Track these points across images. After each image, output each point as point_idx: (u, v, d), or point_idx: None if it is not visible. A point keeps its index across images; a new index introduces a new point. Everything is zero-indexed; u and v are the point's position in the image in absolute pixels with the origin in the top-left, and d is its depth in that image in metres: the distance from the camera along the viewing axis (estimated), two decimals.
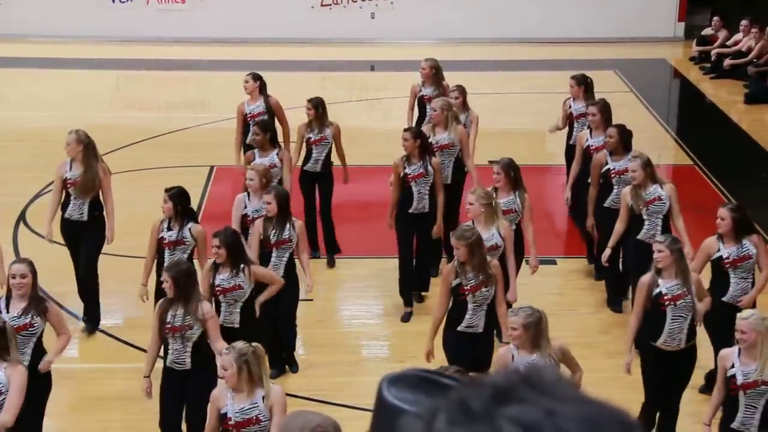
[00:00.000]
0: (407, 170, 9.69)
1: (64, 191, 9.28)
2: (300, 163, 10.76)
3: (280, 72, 18.91)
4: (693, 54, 20.23)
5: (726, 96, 17.90)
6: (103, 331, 9.57)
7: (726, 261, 8.07)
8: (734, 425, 6.67)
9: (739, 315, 6.75)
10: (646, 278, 7.51)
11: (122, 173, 13.40)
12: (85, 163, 9.17)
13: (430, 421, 1.08)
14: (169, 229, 8.56)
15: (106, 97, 17.86)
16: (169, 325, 7.26)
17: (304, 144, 10.67)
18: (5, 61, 19.23)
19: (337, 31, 21.13)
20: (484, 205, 8.38)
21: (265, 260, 8.52)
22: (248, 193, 9.21)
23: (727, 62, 18.89)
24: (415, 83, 12.10)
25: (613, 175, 9.73)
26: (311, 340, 9.17)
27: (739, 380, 6.61)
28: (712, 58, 19.34)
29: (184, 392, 7.34)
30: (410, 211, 9.73)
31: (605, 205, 9.78)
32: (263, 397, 6.37)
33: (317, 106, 10.62)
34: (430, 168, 9.69)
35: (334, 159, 10.84)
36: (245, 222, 9.11)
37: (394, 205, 9.86)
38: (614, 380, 8.77)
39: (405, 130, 10.00)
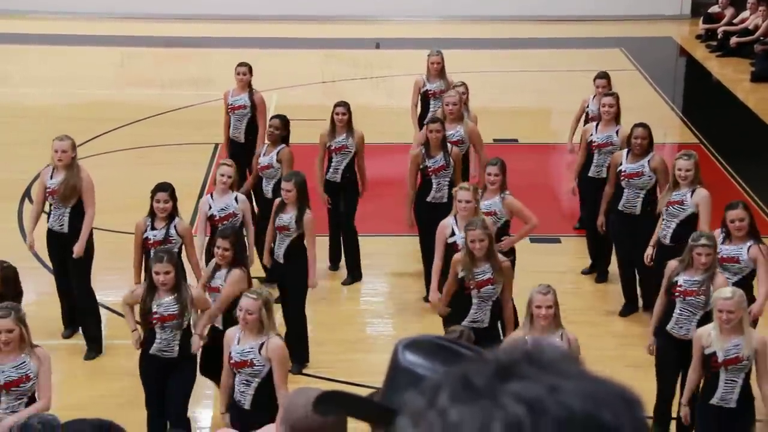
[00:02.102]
0: (427, 163, 9.51)
1: (45, 200, 8.83)
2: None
3: (285, 49, 18.88)
4: (699, 32, 20.14)
5: (732, 74, 17.84)
6: (105, 307, 9.57)
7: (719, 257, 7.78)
8: (713, 401, 6.70)
9: (719, 296, 6.64)
10: (672, 264, 7.51)
11: (126, 150, 13.41)
12: (67, 171, 8.69)
13: (432, 397, 1.08)
14: (153, 228, 8.28)
15: (110, 74, 17.82)
16: (157, 315, 7.16)
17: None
18: (8, 38, 19.20)
19: (341, 8, 21.05)
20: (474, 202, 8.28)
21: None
22: (211, 193, 8.81)
23: (734, 40, 18.81)
24: (419, 78, 11.73)
25: (623, 177, 9.31)
26: (315, 318, 9.17)
27: (721, 357, 6.61)
28: (719, 36, 19.27)
29: (167, 378, 7.30)
30: (428, 199, 9.53)
31: (619, 208, 9.41)
32: (262, 344, 6.63)
33: (350, 111, 10.05)
34: (450, 160, 9.53)
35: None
36: (213, 223, 8.75)
37: (411, 198, 9.56)
38: (617, 359, 8.78)
39: (433, 121, 9.69)
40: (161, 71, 18.19)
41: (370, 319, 9.75)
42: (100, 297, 9.45)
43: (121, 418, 7.15)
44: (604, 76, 11.08)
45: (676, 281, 7.41)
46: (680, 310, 7.43)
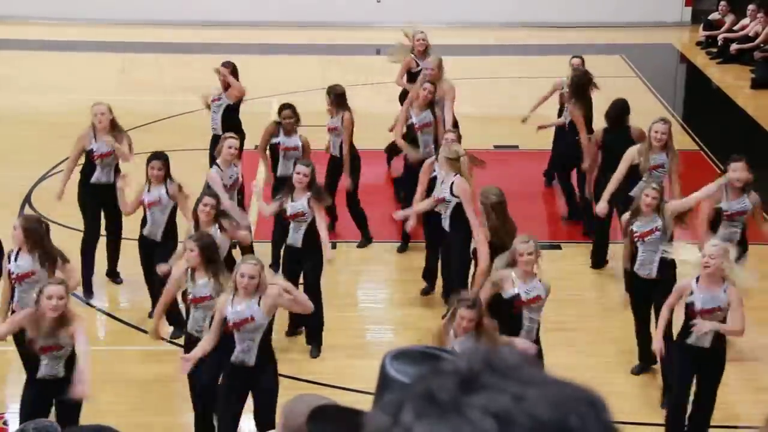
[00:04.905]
0: (414, 120, 10.41)
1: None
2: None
3: (285, 55, 18.91)
4: (700, 39, 20.17)
5: (732, 81, 17.85)
6: (108, 314, 9.59)
7: (725, 213, 8.71)
8: (690, 341, 7.29)
9: (709, 244, 7.34)
10: (625, 217, 8.42)
11: None
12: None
13: (396, 413, 1.05)
14: (149, 191, 9.08)
15: (112, 80, 17.83)
16: (191, 296, 7.48)
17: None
18: (11, 43, 19.23)
19: (342, 14, 21.08)
20: (447, 159, 8.90)
21: (283, 232, 8.94)
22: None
23: (734, 47, 18.83)
24: (410, 59, 12.46)
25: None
26: None
27: (698, 306, 7.19)
28: (719, 43, 19.29)
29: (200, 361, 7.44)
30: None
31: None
32: (259, 299, 6.96)
33: (328, 94, 10.67)
34: (434, 117, 10.45)
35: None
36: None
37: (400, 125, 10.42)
38: (618, 365, 8.79)
39: (429, 83, 10.57)
40: (163, 77, 18.21)
41: (368, 325, 9.76)
42: (100, 304, 9.48)
43: (123, 424, 7.19)
44: (579, 57, 12.11)
45: (632, 230, 8.24)
46: (643, 252, 8.23)
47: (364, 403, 1.56)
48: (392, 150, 11.80)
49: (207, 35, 19.92)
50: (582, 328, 9.34)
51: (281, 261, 9.18)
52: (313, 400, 4.04)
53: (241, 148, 10.88)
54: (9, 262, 7.77)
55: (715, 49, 19.37)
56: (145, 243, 9.18)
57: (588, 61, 12.53)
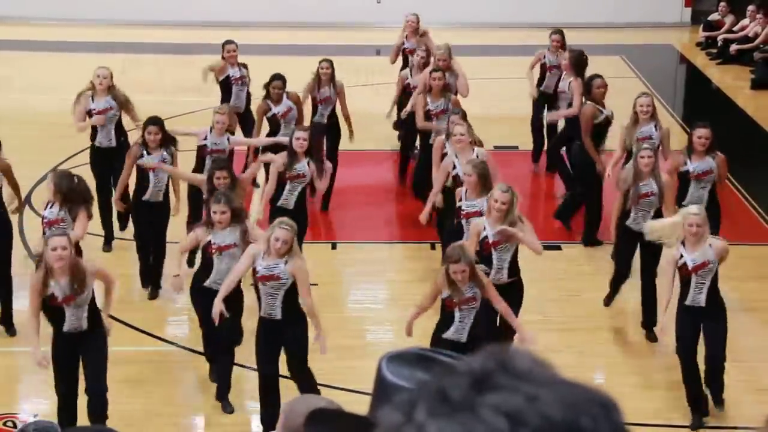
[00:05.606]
0: (430, 107, 10.80)
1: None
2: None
3: (286, 56, 18.92)
4: (699, 39, 20.18)
5: (732, 81, 17.85)
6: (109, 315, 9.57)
7: (691, 174, 9.27)
8: (687, 302, 7.70)
9: (688, 212, 7.70)
10: (625, 178, 8.97)
11: None
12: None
13: (409, 412, 1.07)
14: (148, 153, 9.50)
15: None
16: (215, 245, 7.89)
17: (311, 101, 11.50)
18: (11, 44, 19.23)
19: (343, 15, 21.08)
20: (479, 175, 8.65)
21: (278, 191, 9.30)
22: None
23: (734, 48, 18.83)
24: (400, 40, 13.31)
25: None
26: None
27: (690, 266, 7.63)
28: (719, 44, 19.30)
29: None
30: (430, 141, 10.57)
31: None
32: (286, 261, 7.39)
33: (333, 66, 11.37)
34: (450, 106, 10.77)
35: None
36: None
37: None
38: (618, 365, 8.80)
39: (436, 70, 10.94)
40: (164, 77, 18.22)
41: (369, 326, 9.76)
42: (100, 304, 9.46)
43: (123, 424, 7.19)
44: (558, 32, 12.82)
45: (629, 189, 8.88)
46: (638, 212, 8.85)
47: (363, 404, 1.56)
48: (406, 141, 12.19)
49: (207, 35, 19.89)
50: (582, 328, 9.35)
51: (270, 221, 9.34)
52: (314, 401, 4.04)
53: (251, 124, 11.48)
54: (44, 210, 8.52)
55: (714, 50, 19.38)
56: (143, 206, 9.53)
57: (588, 61, 12.58)
